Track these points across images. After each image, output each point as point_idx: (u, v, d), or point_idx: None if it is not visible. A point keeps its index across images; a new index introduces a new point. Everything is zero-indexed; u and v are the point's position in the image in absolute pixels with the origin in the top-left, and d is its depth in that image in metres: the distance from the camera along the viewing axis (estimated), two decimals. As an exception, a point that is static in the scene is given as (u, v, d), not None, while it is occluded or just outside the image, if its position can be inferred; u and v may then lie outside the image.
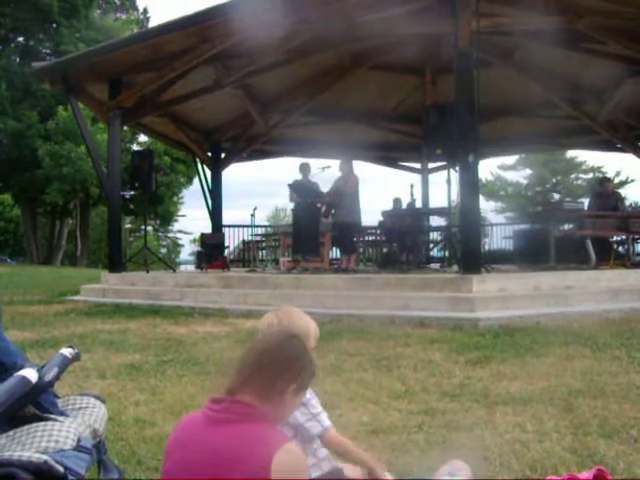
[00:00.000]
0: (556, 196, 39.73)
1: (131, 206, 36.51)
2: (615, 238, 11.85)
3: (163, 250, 59.46)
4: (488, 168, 43.42)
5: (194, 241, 53.16)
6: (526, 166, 41.93)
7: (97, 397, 2.58)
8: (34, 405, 2.17)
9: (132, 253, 28.82)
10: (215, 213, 16.54)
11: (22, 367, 2.11)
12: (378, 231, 15.01)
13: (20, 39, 35.10)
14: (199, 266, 14.80)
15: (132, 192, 14.92)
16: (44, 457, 1.89)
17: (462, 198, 9.46)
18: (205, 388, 4.50)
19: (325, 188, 11.93)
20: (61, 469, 1.90)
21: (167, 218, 46.86)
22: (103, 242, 44.95)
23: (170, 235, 62.59)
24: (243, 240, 17.72)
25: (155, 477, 2.85)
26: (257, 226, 16.99)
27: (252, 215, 13.96)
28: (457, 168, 9.84)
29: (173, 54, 11.31)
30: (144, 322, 8.32)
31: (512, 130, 16.49)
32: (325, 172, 11.84)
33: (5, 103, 30.35)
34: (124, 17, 40.01)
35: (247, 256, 17.16)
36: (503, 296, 8.26)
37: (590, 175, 40.76)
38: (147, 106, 12.87)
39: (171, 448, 1.90)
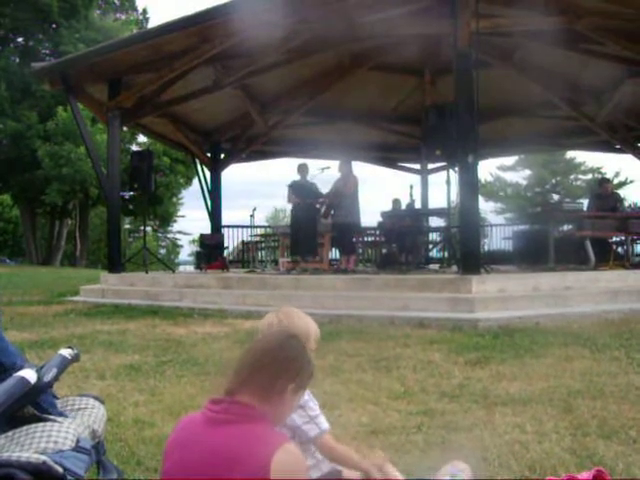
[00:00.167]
0: (555, 197, 39.74)
1: (130, 207, 36.51)
2: (614, 239, 11.85)
3: (162, 251, 59.44)
4: (487, 169, 43.57)
5: (193, 242, 53.17)
6: (525, 167, 41.93)
7: (96, 398, 2.58)
8: (33, 406, 2.17)
9: (131, 254, 28.78)
10: (214, 214, 16.54)
11: (21, 368, 2.11)
12: (377, 232, 15.01)
13: (20, 39, 35.12)
14: (198, 267, 14.80)
15: (131, 193, 14.90)
16: (43, 458, 1.89)
17: (461, 199, 9.46)
18: (204, 389, 4.49)
19: (324, 189, 11.94)
20: (60, 470, 1.90)
21: (166, 219, 46.87)
22: (102, 243, 44.96)
23: (169, 236, 62.60)
24: (242, 241, 17.72)
25: (154, 478, 2.85)
26: (256, 227, 17.00)
27: (251, 216, 13.97)
28: (456, 169, 9.84)
29: (173, 54, 11.31)
30: (143, 323, 8.32)
31: (511, 131, 16.49)
32: (324, 173, 11.85)
33: (5, 103, 30.35)
34: (123, 17, 39.99)
35: (246, 257, 17.16)
36: (502, 297, 8.26)
37: (589, 176, 40.76)
38: (146, 107, 12.87)
39: (170, 448, 1.90)
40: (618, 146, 16.44)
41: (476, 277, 8.53)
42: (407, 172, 19.92)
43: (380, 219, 13.85)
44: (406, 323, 7.40)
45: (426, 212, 14.77)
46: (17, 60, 33.38)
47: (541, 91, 14.15)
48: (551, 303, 8.23)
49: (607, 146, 17.01)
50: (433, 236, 15.94)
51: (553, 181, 41.95)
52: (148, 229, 38.17)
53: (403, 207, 14.08)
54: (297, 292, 9.50)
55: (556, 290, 8.78)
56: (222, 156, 16.79)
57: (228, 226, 17.42)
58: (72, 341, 6.69)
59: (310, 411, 2.34)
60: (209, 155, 16.59)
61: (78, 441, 2.08)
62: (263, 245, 17.02)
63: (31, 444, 2.00)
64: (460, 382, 4.69)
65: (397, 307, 8.19)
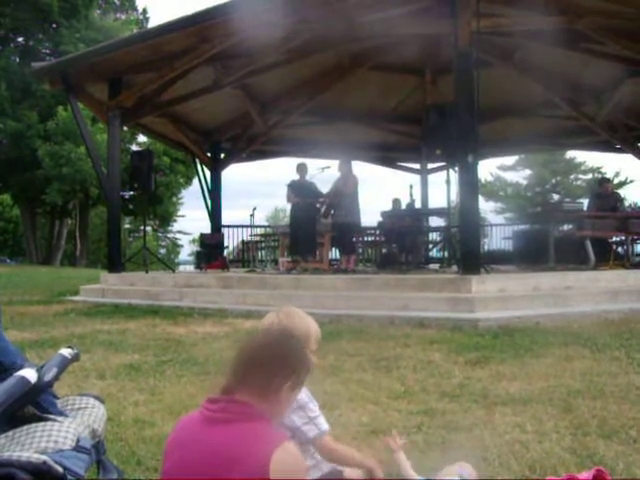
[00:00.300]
0: (555, 197, 39.76)
1: (130, 206, 36.52)
2: (614, 239, 11.85)
3: (162, 250, 59.47)
4: (487, 168, 43.57)
5: (193, 241, 53.19)
6: (525, 167, 41.95)
7: (96, 397, 2.58)
8: (33, 405, 2.17)
9: (131, 253, 28.80)
10: (214, 213, 16.54)
11: (21, 367, 2.11)
12: (377, 232, 15.01)
13: (20, 39, 35.15)
14: (198, 266, 14.80)
15: (131, 192, 14.90)
16: (43, 457, 1.89)
17: (461, 198, 9.46)
18: (204, 388, 4.49)
19: (324, 189, 11.95)
20: (60, 469, 1.90)
21: (166, 218, 46.89)
22: (102, 242, 44.98)
23: (169, 235, 62.62)
24: (242, 240, 17.73)
25: (155, 477, 2.85)
26: (256, 226, 17.00)
27: (251, 215, 13.98)
28: (456, 168, 9.84)
29: (173, 54, 11.31)
30: (143, 322, 8.32)
31: (512, 130, 16.49)
32: (324, 172, 11.85)
33: (5, 103, 30.36)
34: (124, 17, 40.01)
35: (246, 256, 17.16)
36: (502, 296, 8.26)
37: (589, 176, 40.77)
38: (147, 106, 12.88)
39: (170, 449, 1.90)
40: (618, 146, 16.43)
41: (476, 277, 8.53)
42: (407, 172, 19.93)
43: (380, 219, 13.85)
44: (406, 323, 7.40)
45: (426, 212, 14.77)
46: (17, 60, 33.41)
47: (541, 91, 14.15)
48: (551, 303, 8.23)
49: (607, 146, 17.01)
50: (433, 236, 15.95)
51: (553, 181, 41.96)
52: (148, 229, 38.14)
53: (403, 207, 14.09)
54: (297, 292, 9.50)
55: (556, 290, 8.78)
56: (222, 156, 16.80)
57: (228, 226, 17.42)
58: (72, 341, 6.69)
59: (310, 412, 2.33)
60: (209, 155, 16.60)
61: (78, 441, 2.08)
62: (263, 245, 17.01)
63: (31, 444, 1.99)
64: (460, 382, 4.68)
65: (397, 307, 8.19)
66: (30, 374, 2.06)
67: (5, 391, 1.97)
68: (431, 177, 18.83)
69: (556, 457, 3.10)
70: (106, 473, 2.33)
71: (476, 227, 9.77)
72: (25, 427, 2.08)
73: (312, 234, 11.67)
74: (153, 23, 40.21)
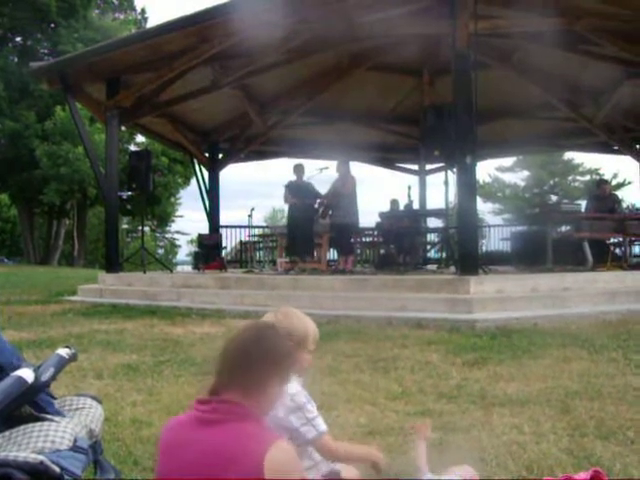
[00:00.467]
0: (553, 198, 39.81)
1: (128, 206, 36.47)
2: (612, 240, 11.87)
3: (160, 251, 59.45)
4: (486, 170, 43.55)
5: (191, 242, 53.20)
6: (524, 168, 42.01)
7: (94, 397, 2.57)
8: (30, 405, 2.17)
9: (129, 254, 28.76)
10: (212, 214, 16.53)
11: (18, 367, 2.11)
12: (375, 232, 15.01)
13: (18, 39, 35.12)
14: (196, 267, 14.78)
15: (129, 192, 14.88)
16: (40, 457, 1.88)
17: (460, 199, 9.46)
18: (201, 389, 4.48)
19: (322, 189, 11.95)
20: (57, 469, 1.89)
21: (164, 219, 46.86)
22: (100, 242, 44.92)
23: (167, 236, 62.58)
24: (240, 241, 17.72)
25: (151, 478, 2.84)
26: (254, 227, 16.99)
27: (249, 216, 13.97)
28: (455, 169, 9.84)
29: (172, 54, 11.30)
30: (141, 322, 8.31)
31: (510, 132, 16.49)
32: (323, 173, 11.85)
33: (3, 103, 30.33)
34: (122, 17, 39.98)
35: (244, 257, 17.15)
36: (500, 297, 8.27)
37: (587, 177, 40.84)
38: (145, 106, 12.86)
39: (162, 453, 1.90)
40: (616, 147, 16.45)
41: (474, 278, 8.54)
42: (405, 173, 19.95)
43: (378, 220, 13.85)
44: (404, 324, 7.40)
45: (424, 213, 14.80)
46: (15, 60, 33.37)
47: (540, 92, 14.15)
48: (549, 304, 8.23)
49: (605, 147, 17.03)
50: (431, 237, 15.95)
51: (551, 182, 42.02)
52: (146, 229, 38.12)
53: (401, 208, 14.09)
54: (295, 292, 9.50)
55: (554, 291, 8.78)
56: (220, 156, 16.79)
57: (226, 226, 17.42)
58: (70, 340, 6.68)
59: (308, 413, 2.32)
60: (207, 155, 16.57)
61: (75, 441, 2.08)
62: (261, 245, 17.01)
63: (28, 444, 1.99)
64: (458, 383, 4.69)
65: (395, 308, 8.19)
66: (27, 374, 2.06)
67: (2, 391, 1.97)
68: (429, 178, 18.88)
69: (553, 458, 3.10)
70: (103, 473, 2.33)
71: (474, 228, 9.78)
72: (22, 427, 2.08)
73: (310, 235, 11.67)
74: (152, 23, 40.25)
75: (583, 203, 13.73)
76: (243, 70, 12.45)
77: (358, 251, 15.67)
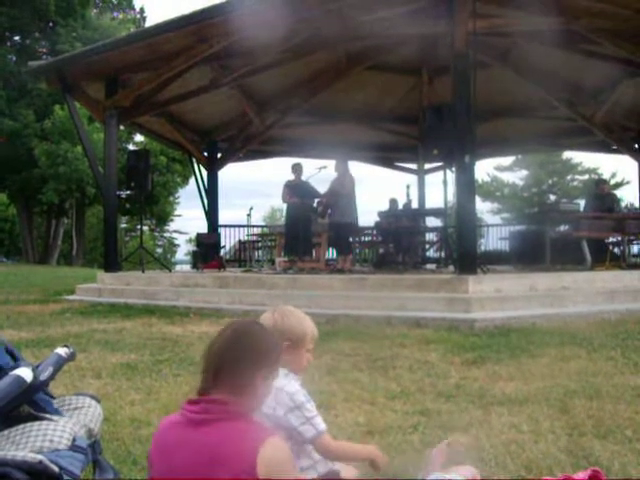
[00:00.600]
0: (552, 197, 39.85)
1: (127, 206, 36.48)
2: (611, 239, 11.88)
3: (159, 250, 59.44)
4: (484, 169, 43.59)
5: (190, 241, 53.19)
6: (522, 167, 42.05)
7: (93, 397, 2.57)
8: (29, 404, 2.17)
9: (128, 253, 28.76)
10: (211, 213, 16.53)
11: (17, 366, 2.10)
12: (374, 232, 15.01)
13: (17, 38, 35.08)
14: (195, 266, 14.78)
15: (128, 192, 14.88)
16: (39, 457, 1.88)
17: (458, 199, 9.46)
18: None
19: (321, 189, 11.94)
20: (56, 469, 1.89)
21: (163, 218, 46.86)
22: (99, 242, 44.90)
23: (166, 235, 62.59)
24: (239, 240, 17.72)
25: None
26: (253, 226, 17.01)
27: (248, 215, 13.97)
28: (453, 169, 9.84)
29: (170, 54, 11.29)
30: (140, 322, 8.31)
31: (508, 131, 16.50)
32: (321, 172, 11.84)
33: (1, 102, 30.33)
34: (120, 16, 39.98)
35: (243, 256, 17.15)
36: (499, 297, 8.27)
37: (586, 176, 40.88)
38: (144, 106, 12.85)
39: (155, 455, 1.89)
40: (615, 147, 16.45)
41: (473, 277, 8.54)
42: (404, 172, 19.95)
43: (377, 219, 13.85)
44: (403, 323, 7.40)
45: (423, 212, 14.80)
46: (14, 59, 33.34)
47: (538, 91, 14.16)
48: (547, 303, 8.25)
49: (604, 146, 17.02)
50: (430, 236, 15.95)
51: (550, 181, 42.06)
52: (145, 228, 38.09)
53: (400, 207, 14.10)
54: (294, 292, 9.50)
55: (553, 290, 8.79)
56: (219, 155, 16.78)
57: (225, 225, 17.43)
58: (68, 340, 6.67)
59: (307, 412, 2.32)
60: (206, 154, 16.58)
61: (74, 440, 2.07)
62: (260, 244, 17.02)
63: (27, 443, 1.99)
64: (456, 382, 4.69)
65: (394, 307, 8.19)
66: (26, 373, 2.05)
67: (0, 390, 1.97)
68: (428, 177, 18.93)
69: (552, 457, 3.10)
70: (102, 473, 2.33)
71: (473, 227, 9.78)
72: (21, 426, 2.08)
73: (308, 234, 11.66)
74: (150, 22, 40.22)
75: (582, 202, 13.76)
76: (242, 69, 12.45)
77: (357, 250, 15.68)
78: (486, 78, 11.49)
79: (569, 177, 42.25)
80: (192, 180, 19.50)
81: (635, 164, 16.12)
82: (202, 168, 16.52)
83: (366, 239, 15.90)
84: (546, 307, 8.12)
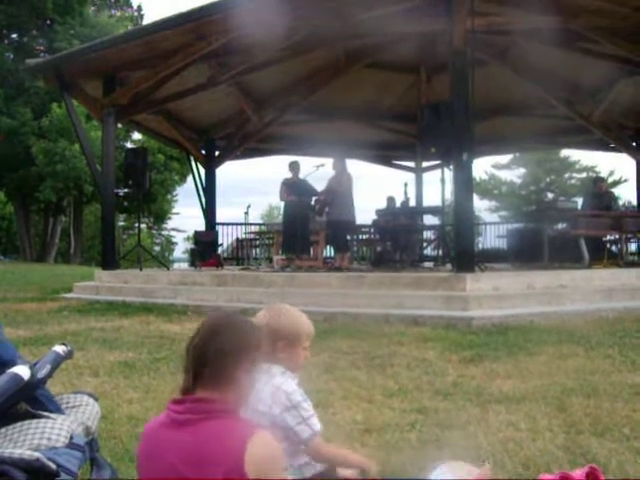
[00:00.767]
0: (550, 195, 39.87)
1: (125, 204, 36.45)
2: (608, 237, 11.89)
3: (157, 248, 59.41)
4: (482, 167, 43.59)
5: (188, 239, 53.13)
6: (520, 165, 42.03)
7: (90, 395, 2.57)
8: (29, 402, 2.17)
9: (126, 251, 28.76)
10: (209, 211, 16.51)
11: (14, 364, 2.10)
12: (372, 230, 15.01)
13: (14, 36, 34.99)
14: (193, 264, 14.78)
15: (126, 190, 14.88)
16: (36, 454, 1.88)
17: (456, 197, 9.47)
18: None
19: (318, 187, 11.93)
20: (53, 466, 1.89)
21: (161, 216, 46.76)
22: (96, 240, 44.88)
23: (164, 233, 62.54)
24: (237, 238, 17.71)
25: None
26: (251, 224, 17.00)
27: (246, 213, 13.96)
28: (451, 167, 9.85)
29: (168, 51, 11.27)
30: (137, 320, 8.30)
31: (506, 129, 16.49)
32: (319, 170, 11.84)
33: (-1, 100, 30.28)
34: (118, 14, 39.90)
35: (241, 254, 17.14)
36: (497, 295, 8.28)
37: (584, 174, 40.88)
38: (142, 104, 12.83)
39: (143, 458, 1.88)
40: (612, 145, 16.46)
41: (470, 275, 8.55)
42: (402, 170, 19.94)
43: (375, 217, 13.85)
44: (400, 321, 7.41)
45: (420, 210, 14.78)
46: (11, 56, 33.28)
47: (536, 90, 14.16)
48: (545, 301, 8.25)
49: (602, 145, 17.03)
50: (427, 234, 15.97)
51: (547, 180, 42.07)
52: (142, 226, 38.07)
53: (398, 205, 14.10)
54: (291, 290, 9.49)
55: (550, 288, 8.80)
56: (217, 153, 16.75)
57: (222, 223, 17.41)
58: (66, 338, 6.67)
59: (303, 412, 2.31)
60: (204, 152, 16.56)
61: (72, 438, 2.08)
62: (257, 242, 17.02)
63: (24, 441, 1.99)
64: (454, 380, 4.69)
65: (392, 305, 8.19)
66: (23, 371, 2.06)
67: (-2, 388, 1.97)
68: (426, 175, 18.94)
69: (549, 455, 3.11)
70: (99, 470, 2.33)
71: (470, 225, 9.79)
72: (18, 424, 2.08)
73: (306, 232, 11.66)
74: (148, 20, 40.16)
75: (579, 200, 13.76)
76: (240, 67, 12.44)
77: (355, 248, 15.68)
78: (484, 76, 11.49)
79: (567, 175, 42.25)
80: (190, 178, 19.51)
81: (633, 162, 16.12)
82: (200, 166, 16.50)
83: (364, 237, 15.90)
84: (544, 305, 8.13)
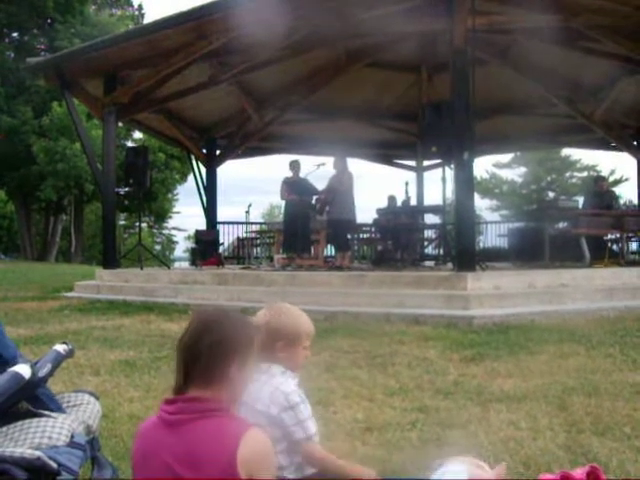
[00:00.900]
0: (551, 194, 39.85)
1: (126, 202, 36.45)
2: (609, 236, 11.88)
3: (158, 247, 59.41)
4: (483, 166, 43.58)
5: (189, 238, 53.18)
6: (521, 164, 42.00)
7: (91, 394, 2.57)
8: (28, 401, 2.17)
9: (126, 250, 28.79)
10: (210, 210, 16.50)
11: (15, 363, 2.10)
12: (373, 229, 15.00)
13: (15, 34, 34.98)
14: (194, 263, 14.77)
15: (127, 189, 14.88)
16: (37, 453, 1.88)
17: (457, 196, 9.47)
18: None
19: (319, 186, 11.93)
20: (54, 465, 1.89)
21: (161, 215, 46.79)
22: (97, 239, 44.83)
23: (164, 232, 62.55)
24: (238, 237, 17.71)
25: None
26: (252, 223, 17.00)
27: (247, 212, 13.96)
28: (452, 166, 9.84)
29: (169, 50, 11.27)
30: (138, 319, 8.30)
31: (508, 128, 16.49)
32: (320, 169, 11.84)
33: (-1, 99, 30.28)
34: (119, 13, 39.90)
35: (242, 253, 17.15)
36: (498, 294, 8.27)
37: (584, 174, 40.86)
38: (142, 102, 12.82)
39: (137, 459, 1.87)
40: (614, 144, 16.44)
41: (471, 274, 8.55)
42: (403, 169, 19.94)
43: (376, 216, 13.85)
44: (401, 320, 7.41)
45: (421, 209, 14.78)
46: (12, 55, 33.28)
47: (538, 88, 14.15)
48: (546, 300, 8.25)
49: (603, 144, 17.02)
50: (428, 233, 15.94)
51: (548, 179, 42.04)
52: (143, 225, 38.11)
53: (399, 204, 14.09)
54: (292, 289, 9.49)
55: (551, 287, 8.80)
56: (218, 152, 16.75)
57: (223, 222, 17.41)
58: (67, 337, 6.67)
59: (299, 414, 2.28)
60: (205, 151, 16.56)
61: (72, 437, 2.08)
62: (258, 241, 17.02)
63: (25, 439, 1.99)
64: (455, 379, 4.69)
65: (392, 304, 8.19)
66: (24, 370, 2.06)
67: (-1, 387, 1.97)
68: (427, 174, 18.94)
69: (550, 454, 3.11)
70: (100, 469, 2.33)
71: (471, 224, 9.79)
72: (19, 423, 2.08)
73: (307, 231, 11.66)
74: (149, 19, 40.16)
75: (580, 199, 13.75)
76: (241, 66, 12.44)
77: (355, 247, 15.67)
78: (485, 75, 11.49)
79: (568, 174, 42.22)
80: (191, 177, 19.50)
81: (634, 161, 16.11)
82: (201, 165, 16.50)
83: (365, 236, 15.89)
84: (545, 304, 8.12)
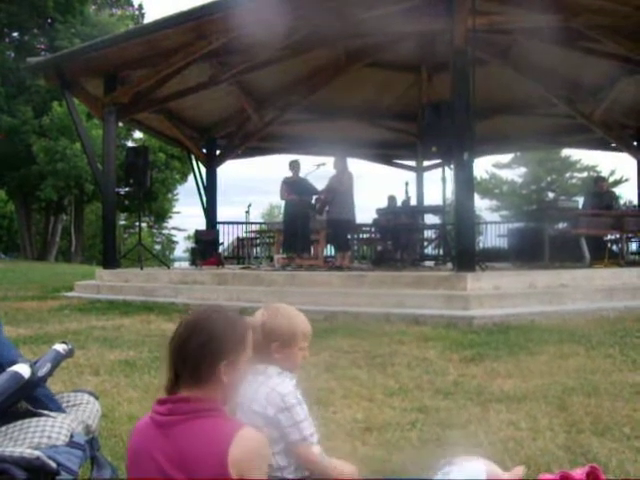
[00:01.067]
0: (551, 195, 39.86)
1: (126, 202, 36.46)
2: (609, 237, 11.88)
3: (157, 247, 59.43)
4: (483, 166, 43.57)
5: (188, 238, 53.20)
6: (521, 164, 42.03)
7: (90, 393, 2.57)
8: (27, 400, 2.16)
9: (126, 250, 28.77)
10: (210, 210, 16.51)
11: (14, 362, 2.10)
12: (373, 229, 15.00)
13: (15, 34, 34.98)
14: (193, 263, 14.77)
15: (127, 189, 14.87)
16: (36, 453, 1.88)
17: (457, 196, 9.47)
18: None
19: (319, 186, 11.93)
20: (54, 465, 1.89)
21: (161, 215, 46.80)
22: (97, 238, 44.84)
23: (164, 232, 62.56)
24: (237, 237, 17.72)
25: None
26: (252, 223, 17.00)
27: (247, 212, 13.96)
28: (452, 166, 9.84)
29: (169, 50, 11.27)
30: (138, 319, 8.30)
31: (508, 128, 16.49)
32: (320, 169, 11.84)
33: (0, 99, 30.25)
34: (119, 13, 39.91)
35: (241, 253, 17.15)
36: (497, 294, 8.27)
37: (584, 174, 40.89)
38: (142, 102, 12.82)
39: (131, 461, 1.88)
40: (614, 144, 16.44)
41: (471, 274, 8.55)
42: (403, 169, 19.94)
43: (376, 216, 13.85)
44: (401, 320, 7.40)
45: (421, 209, 14.77)
46: (12, 55, 33.27)
47: (538, 89, 14.15)
48: (546, 301, 8.25)
49: (603, 144, 17.02)
50: (428, 233, 15.95)
51: (548, 179, 42.06)
52: (143, 225, 38.10)
53: (399, 204, 14.09)
54: (292, 288, 9.49)
55: (551, 288, 8.80)
56: (218, 152, 16.75)
57: (223, 222, 17.41)
58: (67, 336, 6.67)
59: (296, 415, 2.26)
60: (205, 151, 16.56)
61: (72, 436, 2.07)
62: (258, 241, 17.02)
63: (25, 439, 1.99)
64: (455, 379, 4.69)
65: (392, 304, 8.19)
66: (24, 369, 2.05)
67: (-2, 386, 1.97)
68: (427, 174, 18.96)
69: (550, 454, 3.11)
70: (100, 469, 2.33)
71: (471, 225, 9.79)
72: (19, 422, 2.08)
73: (306, 231, 11.66)
74: (149, 19, 40.16)
75: (580, 200, 13.75)
76: (241, 66, 12.44)
77: (355, 247, 15.67)
78: (485, 75, 11.49)
79: (568, 174, 42.24)
80: (191, 177, 19.52)
81: (634, 162, 16.11)
82: (201, 165, 16.50)
83: (365, 236, 15.89)
84: (545, 304, 8.12)
